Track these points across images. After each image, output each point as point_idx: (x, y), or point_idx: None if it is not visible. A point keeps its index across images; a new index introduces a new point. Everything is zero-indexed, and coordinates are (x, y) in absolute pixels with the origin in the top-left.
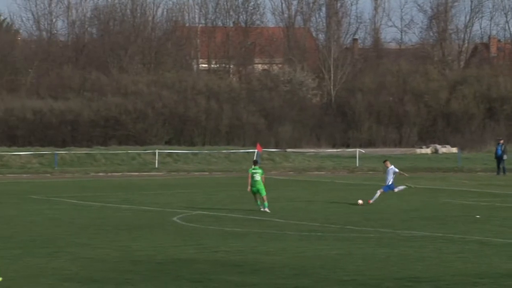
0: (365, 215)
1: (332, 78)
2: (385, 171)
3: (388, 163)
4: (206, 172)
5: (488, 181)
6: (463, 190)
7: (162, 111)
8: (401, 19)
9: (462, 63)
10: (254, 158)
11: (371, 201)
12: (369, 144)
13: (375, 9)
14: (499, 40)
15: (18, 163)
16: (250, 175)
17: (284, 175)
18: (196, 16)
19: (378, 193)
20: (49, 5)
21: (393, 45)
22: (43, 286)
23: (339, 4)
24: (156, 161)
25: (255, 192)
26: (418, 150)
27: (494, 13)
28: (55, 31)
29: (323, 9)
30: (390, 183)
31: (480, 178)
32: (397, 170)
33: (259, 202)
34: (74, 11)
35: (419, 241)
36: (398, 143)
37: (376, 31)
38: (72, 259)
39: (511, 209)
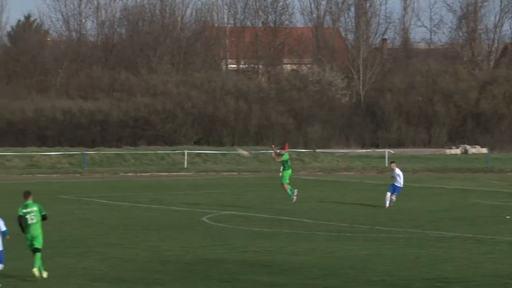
0: (394, 216)
1: (361, 78)
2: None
3: (393, 165)
4: (235, 172)
5: None
6: (493, 190)
7: (191, 111)
8: (431, 19)
9: (491, 63)
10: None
11: (388, 205)
12: (399, 144)
13: (404, 9)
14: None
15: (48, 163)
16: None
17: (313, 175)
18: (225, 16)
19: (389, 196)
20: (79, 5)
21: (422, 45)
22: (73, 286)
23: (368, 4)
24: (185, 161)
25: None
26: (448, 151)
27: None
28: (85, 32)
29: (352, 9)
30: (400, 185)
31: (510, 178)
32: (398, 175)
33: (291, 188)
34: (103, 11)
35: (449, 242)
36: (428, 144)
37: (405, 31)
38: (101, 259)
39: None
